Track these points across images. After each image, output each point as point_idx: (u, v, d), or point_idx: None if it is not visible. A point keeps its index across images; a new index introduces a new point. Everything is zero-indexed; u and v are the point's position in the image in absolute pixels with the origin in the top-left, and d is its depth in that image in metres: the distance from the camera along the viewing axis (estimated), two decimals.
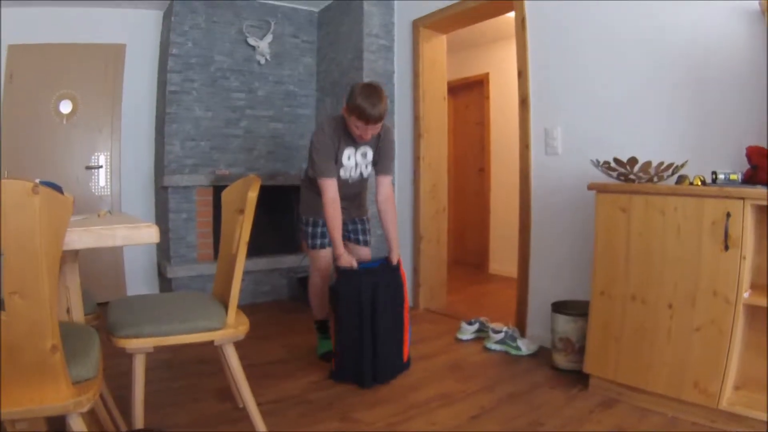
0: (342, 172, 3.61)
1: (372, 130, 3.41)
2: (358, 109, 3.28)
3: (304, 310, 5.22)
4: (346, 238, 3.83)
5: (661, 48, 3.36)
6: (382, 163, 3.68)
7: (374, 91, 3.32)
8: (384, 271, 3.54)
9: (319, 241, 3.80)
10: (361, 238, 3.91)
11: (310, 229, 3.81)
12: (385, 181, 3.68)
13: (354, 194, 3.83)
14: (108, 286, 5.21)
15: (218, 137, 5.59)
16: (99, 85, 5.33)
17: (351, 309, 3.37)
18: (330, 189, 3.46)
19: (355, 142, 3.56)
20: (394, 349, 3.52)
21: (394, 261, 3.61)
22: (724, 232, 2.61)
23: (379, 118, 3.34)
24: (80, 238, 1.82)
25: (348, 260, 3.45)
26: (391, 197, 3.72)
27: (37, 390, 1.66)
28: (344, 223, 3.74)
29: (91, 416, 2.31)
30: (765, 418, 2.54)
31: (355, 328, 3.37)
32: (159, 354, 2.38)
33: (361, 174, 3.72)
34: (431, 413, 3.03)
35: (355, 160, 3.62)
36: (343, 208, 3.59)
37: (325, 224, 3.61)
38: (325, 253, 3.80)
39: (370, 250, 3.96)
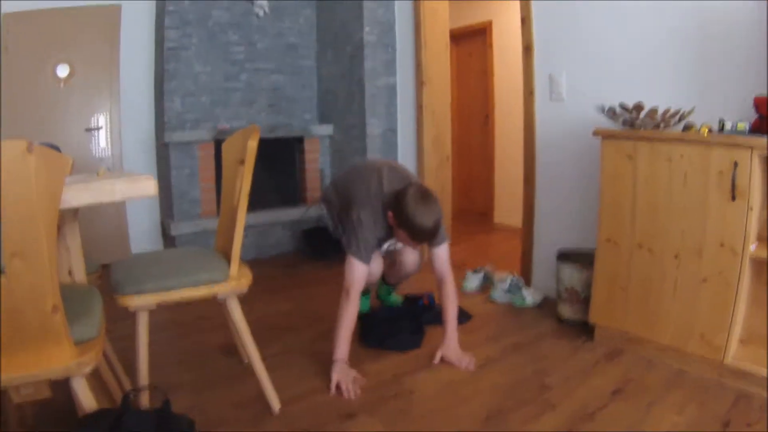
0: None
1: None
2: (411, 237, 2.90)
3: (309, 262, 5.25)
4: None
5: None
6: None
7: (432, 227, 2.86)
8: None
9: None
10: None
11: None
12: (438, 254, 3.16)
13: None
14: (112, 246, 5.18)
15: (218, 91, 5.52)
16: (96, 48, 5.22)
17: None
18: (357, 274, 2.92)
19: None
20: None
21: (453, 358, 3.08)
22: (732, 182, 2.56)
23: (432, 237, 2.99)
24: (78, 195, 1.79)
25: (346, 384, 2.80)
26: (448, 277, 3.17)
27: (39, 353, 1.66)
28: None
29: (95, 378, 2.31)
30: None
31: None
32: (161, 314, 2.38)
33: None
34: (437, 365, 3.05)
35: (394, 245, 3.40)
36: None
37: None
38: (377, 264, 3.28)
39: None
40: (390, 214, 2.91)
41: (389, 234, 3.08)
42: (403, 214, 2.82)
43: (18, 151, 1.48)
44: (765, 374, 2.55)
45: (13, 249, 1.54)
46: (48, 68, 5.03)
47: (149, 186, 1.97)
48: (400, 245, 3.40)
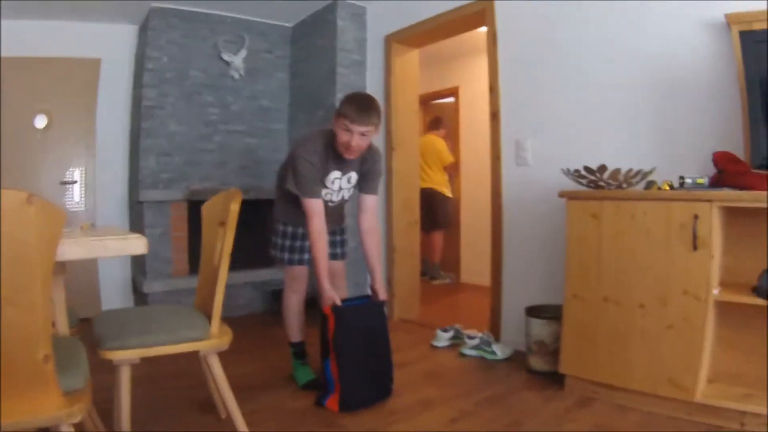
0: (324, 195, 3.41)
1: (360, 140, 3.19)
2: (346, 110, 3.15)
3: (278, 322, 5.23)
4: None
5: (628, 60, 3.49)
6: (367, 182, 3.52)
7: (365, 97, 3.28)
8: (372, 312, 3.41)
9: (297, 257, 3.57)
10: (338, 251, 3.73)
11: (288, 242, 3.56)
12: (369, 201, 3.52)
13: (334, 212, 3.62)
14: (83, 301, 5.09)
15: (192, 152, 5.57)
16: (74, 100, 5.29)
17: (352, 350, 3.23)
18: (316, 211, 3.26)
19: (342, 165, 3.38)
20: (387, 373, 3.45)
21: (382, 296, 3.44)
22: (693, 234, 2.72)
23: (367, 119, 3.15)
24: (72, 249, 1.85)
25: (332, 297, 3.20)
26: (375, 226, 3.56)
27: (29, 401, 1.68)
28: None
29: (78, 428, 2.32)
30: (738, 409, 2.66)
31: (357, 362, 3.24)
32: (138, 369, 2.40)
33: (343, 198, 3.58)
34: (413, 418, 3.08)
35: (339, 185, 3.46)
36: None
37: (305, 236, 3.45)
38: (305, 270, 3.60)
39: (344, 264, 3.80)
40: (333, 119, 3.29)
41: (333, 158, 3.35)
42: (342, 102, 3.24)
43: (18, 201, 1.53)
44: (734, 407, 2.66)
45: (8, 298, 1.57)
46: (26, 118, 5.07)
47: (140, 245, 2.02)
48: (345, 184, 3.53)
